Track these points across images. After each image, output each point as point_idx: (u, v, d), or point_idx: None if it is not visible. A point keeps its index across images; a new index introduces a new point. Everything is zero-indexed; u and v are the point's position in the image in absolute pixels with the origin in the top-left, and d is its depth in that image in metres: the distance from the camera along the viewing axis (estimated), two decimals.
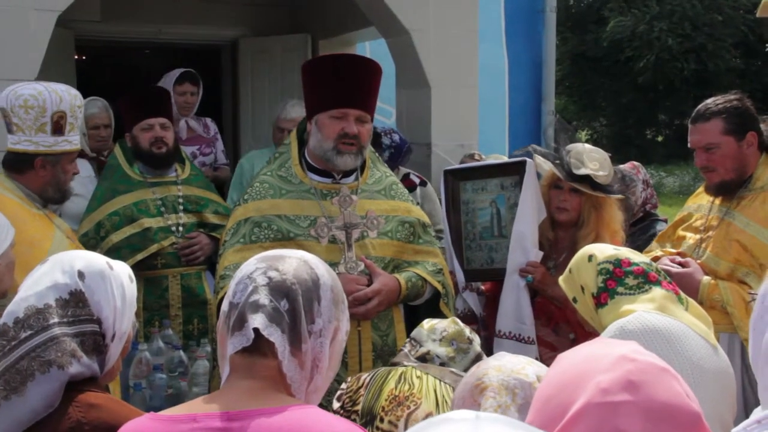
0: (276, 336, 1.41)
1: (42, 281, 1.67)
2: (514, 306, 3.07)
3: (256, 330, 1.40)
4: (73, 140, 2.89)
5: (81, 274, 1.67)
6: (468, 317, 3.21)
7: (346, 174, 2.85)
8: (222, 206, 3.86)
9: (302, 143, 2.90)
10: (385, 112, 6.21)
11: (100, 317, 1.67)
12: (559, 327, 3.06)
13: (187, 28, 6.83)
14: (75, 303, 1.64)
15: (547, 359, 3.03)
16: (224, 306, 1.48)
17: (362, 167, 2.91)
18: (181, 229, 3.67)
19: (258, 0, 6.84)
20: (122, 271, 1.76)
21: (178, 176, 3.80)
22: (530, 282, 3.07)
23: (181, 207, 3.73)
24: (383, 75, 2.85)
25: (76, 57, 6.60)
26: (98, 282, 1.68)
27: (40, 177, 2.85)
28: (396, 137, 4.45)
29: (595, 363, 1.12)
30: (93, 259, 1.73)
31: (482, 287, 3.40)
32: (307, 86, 2.84)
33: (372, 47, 6.56)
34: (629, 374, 1.09)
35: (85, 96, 4.49)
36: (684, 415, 1.09)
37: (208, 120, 5.28)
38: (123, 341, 1.74)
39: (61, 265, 1.69)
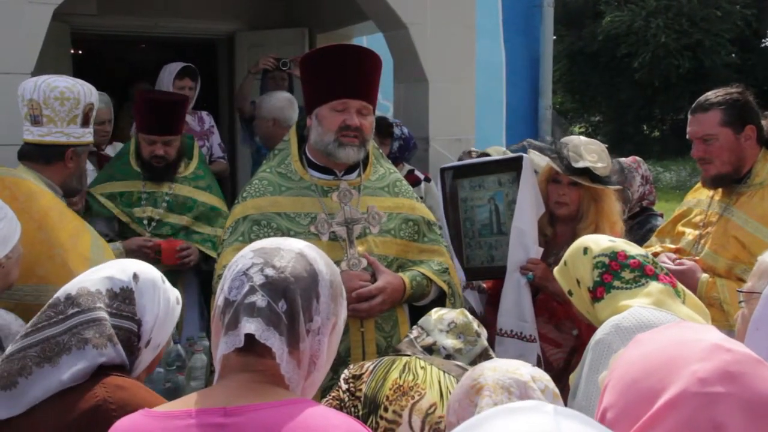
0: (273, 340, 1.37)
1: (100, 272, 1.76)
2: (515, 304, 3.03)
3: (250, 335, 1.37)
4: (92, 132, 2.95)
5: (136, 276, 1.75)
6: None
7: (348, 170, 2.76)
8: (209, 207, 3.81)
9: (302, 139, 2.82)
10: (383, 107, 6.19)
11: (141, 319, 1.73)
12: (561, 323, 3.03)
13: (184, 22, 6.80)
14: (122, 299, 1.72)
15: (550, 356, 3.02)
16: (218, 300, 1.44)
17: (365, 163, 2.82)
18: (153, 223, 3.65)
19: None
20: (172, 291, 1.84)
21: (178, 173, 3.79)
22: (531, 280, 3.02)
23: (165, 204, 3.71)
24: None
25: (72, 51, 6.57)
26: (149, 287, 1.76)
27: (67, 168, 2.84)
28: (405, 130, 4.44)
29: (685, 349, 1.09)
30: (150, 269, 1.82)
31: (484, 285, 3.37)
32: (306, 79, 2.75)
33: (369, 41, 6.54)
34: (727, 365, 1.05)
35: None
36: None
37: (204, 113, 5.25)
38: (155, 353, 1.79)
39: (122, 265, 1.79)
